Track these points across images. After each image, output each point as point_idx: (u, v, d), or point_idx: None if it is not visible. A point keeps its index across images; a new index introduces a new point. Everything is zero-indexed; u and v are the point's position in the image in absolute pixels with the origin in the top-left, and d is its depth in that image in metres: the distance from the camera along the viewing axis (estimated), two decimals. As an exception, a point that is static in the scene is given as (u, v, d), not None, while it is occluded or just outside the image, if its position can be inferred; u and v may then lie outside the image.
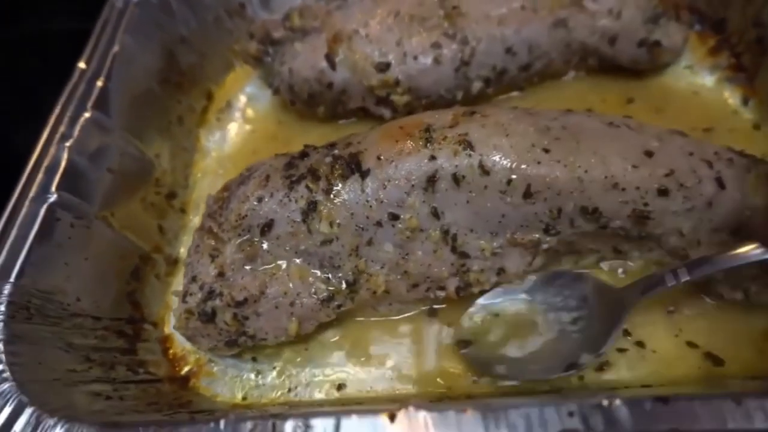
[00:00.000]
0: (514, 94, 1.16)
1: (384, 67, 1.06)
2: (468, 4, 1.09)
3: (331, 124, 1.19)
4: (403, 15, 1.09)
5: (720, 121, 1.02)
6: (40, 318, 0.76)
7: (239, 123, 1.25)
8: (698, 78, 1.10)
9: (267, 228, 0.85)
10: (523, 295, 0.87)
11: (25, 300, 0.75)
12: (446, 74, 1.07)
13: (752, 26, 1.04)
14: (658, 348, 0.82)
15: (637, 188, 0.80)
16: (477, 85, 1.09)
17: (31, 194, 0.84)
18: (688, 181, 0.80)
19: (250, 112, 1.28)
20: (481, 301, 0.87)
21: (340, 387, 0.85)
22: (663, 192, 0.80)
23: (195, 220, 1.10)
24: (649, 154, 0.81)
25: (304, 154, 0.91)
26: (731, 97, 1.05)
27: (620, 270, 0.90)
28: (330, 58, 1.08)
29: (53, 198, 0.84)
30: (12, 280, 0.75)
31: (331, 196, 0.83)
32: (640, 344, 0.82)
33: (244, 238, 0.86)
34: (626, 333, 0.83)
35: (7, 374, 0.68)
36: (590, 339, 0.80)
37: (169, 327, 0.96)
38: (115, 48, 1.05)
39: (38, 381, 0.70)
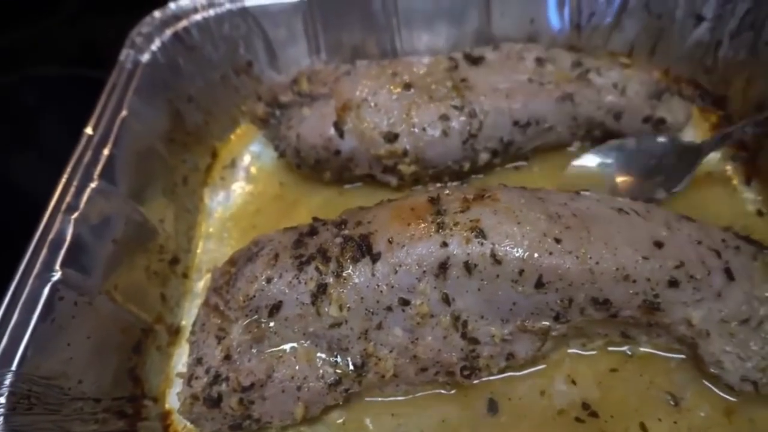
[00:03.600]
0: (520, 163, 1.17)
1: (392, 138, 1.07)
2: (476, 76, 1.11)
3: (336, 187, 1.19)
4: (411, 85, 1.10)
5: (722, 201, 1.03)
6: (40, 407, 0.74)
7: (243, 182, 1.25)
8: (700, 154, 1.11)
9: (275, 309, 0.84)
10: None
11: (26, 389, 0.73)
12: (454, 146, 1.07)
13: (754, 108, 1.06)
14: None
15: (647, 280, 0.80)
16: (484, 157, 1.10)
17: (35, 271, 0.82)
18: (697, 273, 0.81)
19: (254, 170, 1.27)
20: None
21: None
22: (673, 283, 0.80)
23: (198, 285, 1.08)
24: (658, 244, 0.82)
25: (313, 231, 0.91)
26: (735, 176, 1.06)
27: (628, 351, 0.90)
28: (338, 127, 1.09)
29: (57, 276, 0.82)
30: (14, 368, 0.73)
31: (341, 279, 0.82)
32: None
33: (252, 318, 0.85)
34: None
35: (6, 480, 0.65)
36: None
37: (170, 402, 0.93)
38: (123, 113, 1.05)
39: (39, 484, 0.67)
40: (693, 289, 0.81)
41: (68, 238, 0.87)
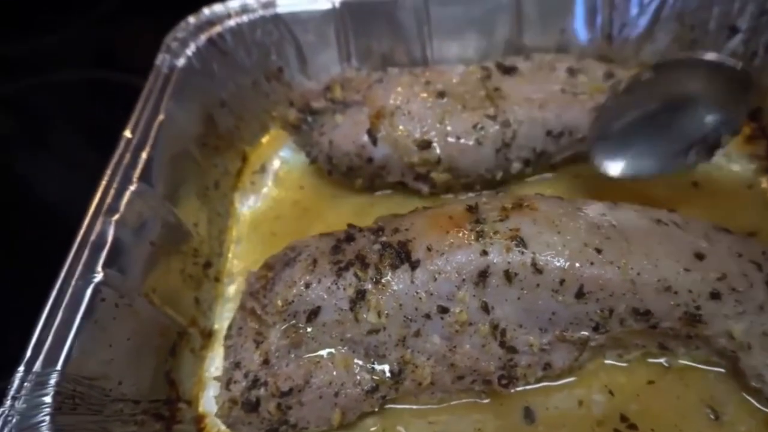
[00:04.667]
0: (551, 173, 1.17)
1: (425, 146, 1.07)
2: (510, 86, 1.11)
3: (366, 194, 1.20)
4: (445, 93, 1.11)
5: (757, 214, 1.02)
6: (84, 408, 0.74)
7: (273, 187, 1.25)
8: (735, 166, 1.11)
9: (313, 315, 0.84)
10: None
11: (71, 389, 0.74)
12: (487, 155, 1.08)
13: (790, 121, 1.05)
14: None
15: (689, 291, 0.80)
16: (516, 166, 1.10)
17: (77, 272, 0.83)
18: (739, 286, 0.80)
19: (283, 175, 1.28)
20: None
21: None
22: (715, 296, 0.80)
23: (229, 289, 1.09)
24: (699, 256, 0.82)
25: (350, 237, 0.91)
26: (770, 189, 1.06)
27: (665, 363, 0.90)
28: (372, 134, 1.09)
29: (99, 277, 0.83)
30: (59, 368, 0.74)
31: (380, 285, 0.83)
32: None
33: (290, 323, 0.85)
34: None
35: (53, 482, 0.66)
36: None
37: (203, 405, 0.94)
38: (161, 116, 1.06)
39: (84, 485, 0.68)
40: (735, 301, 0.80)
41: (109, 239, 0.87)
